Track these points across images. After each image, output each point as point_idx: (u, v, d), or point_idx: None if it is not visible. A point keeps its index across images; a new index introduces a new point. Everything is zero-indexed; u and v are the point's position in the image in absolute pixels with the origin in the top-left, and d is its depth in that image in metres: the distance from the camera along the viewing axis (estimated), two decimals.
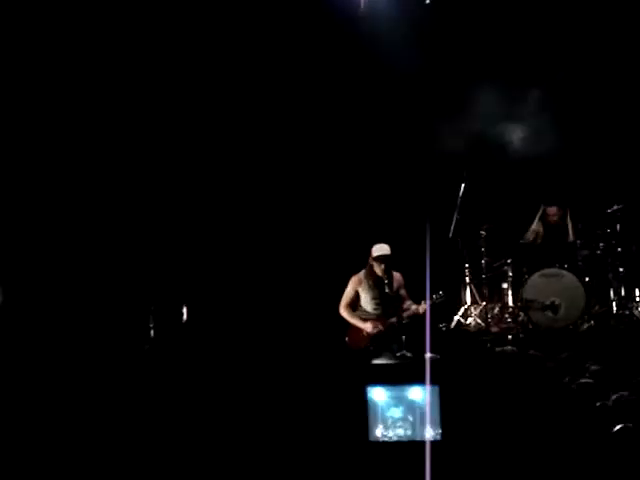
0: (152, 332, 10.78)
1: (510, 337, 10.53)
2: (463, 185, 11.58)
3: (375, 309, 10.08)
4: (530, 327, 11.00)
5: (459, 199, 11.59)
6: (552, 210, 11.58)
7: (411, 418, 4.70)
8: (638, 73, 11.99)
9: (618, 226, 11.22)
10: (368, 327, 9.90)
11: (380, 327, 9.88)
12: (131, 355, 10.03)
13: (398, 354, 9.57)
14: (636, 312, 11.12)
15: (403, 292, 10.21)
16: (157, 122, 12.16)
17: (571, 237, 11.48)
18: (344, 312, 10.11)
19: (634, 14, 11.89)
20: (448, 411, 4.94)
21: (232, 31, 12.13)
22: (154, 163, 12.18)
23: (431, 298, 9.92)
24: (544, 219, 11.63)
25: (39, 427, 8.12)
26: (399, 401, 4.67)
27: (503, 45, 12.14)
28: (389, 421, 4.74)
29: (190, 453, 7.39)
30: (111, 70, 12.00)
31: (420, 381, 5.14)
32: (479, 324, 11.32)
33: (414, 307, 9.96)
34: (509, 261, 11.42)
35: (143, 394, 8.50)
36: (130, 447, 7.92)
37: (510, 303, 11.39)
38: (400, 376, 5.58)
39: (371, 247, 10.22)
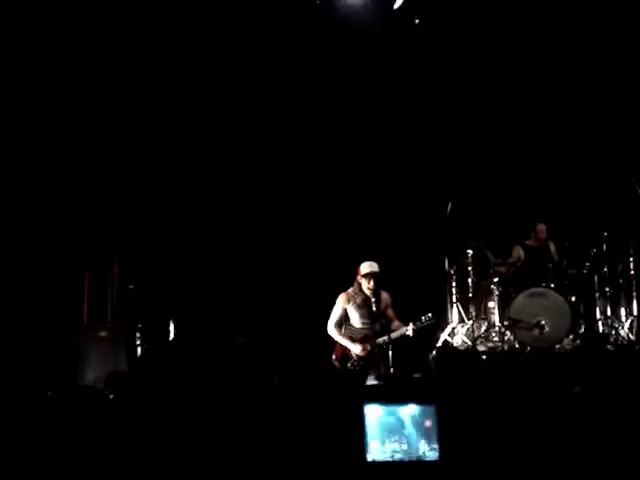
0: (139, 350, 10.76)
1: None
2: (450, 204, 11.61)
3: (363, 328, 10.10)
4: (517, 346, 11.05)
5: (446, 218, 11.61)
6: (541, 227, 11.66)
7: (407, 434, 4.70)
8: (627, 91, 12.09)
9: (604, 246, 11.28)
10: (357, 349, 9.92)
11: (368, 348, 9.91)
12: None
13: (385, 372, 9.60)
14: (622, 332, 11.18)
15: (390, 312, 10.21)
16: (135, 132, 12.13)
17: (555, 257, 11.56)
18: (333, 331, 10.10)
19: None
20: (445, 430, 4.95)
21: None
22: (139, 175, 12.14)
23: (419, 320, 9.95)
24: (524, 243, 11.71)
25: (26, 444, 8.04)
26: (394, 418, 4.67)
27: (493, 60, 12.24)
28: (385, 438, 4.73)
29: (182, 474, 7.37)
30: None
31: (415, 400, 5.13)
32: (466, 343, 11.35)
33: (402, 328, 9.98)
34: (496, 280, 11.46)
35: (132, 412, 8.46)
36: (119, 467, 7.87)
37: (497, 322, 11.42)
38: (395, 395, 5.57)
39: (358, 265, 10.24)
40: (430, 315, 9.83)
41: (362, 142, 12.34)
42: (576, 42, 12.01)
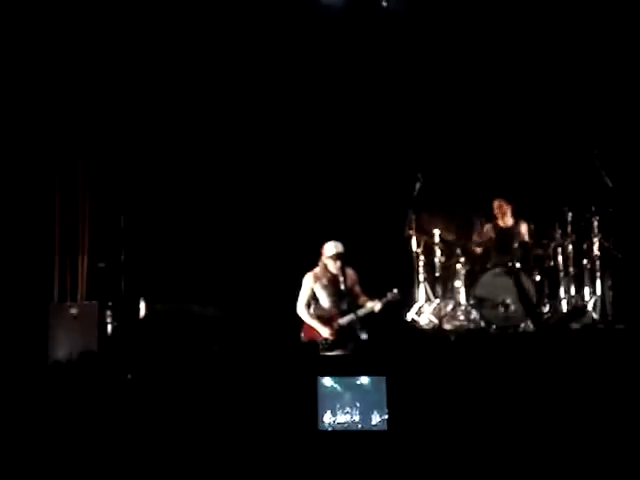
0: (109, 328, 10.82)
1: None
2: (418, 184, 11.73)
3: (331, 306, 10.24)
4: (482, 324, 11.22)
5: (414, 197, 11.73)
6: (497, 203, 11.78)
7: (358, 405, 4.84)
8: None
9: (569, 227, 11.44)
10: (326, 333, 10.07)
11: (337, 328, 10.07)
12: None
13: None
14: (590, 310, 11.30)
15: (357, 289, 10.37)
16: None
17: (526, 237, 11.67)
18: (302, 312, 10.23)
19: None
20: (395, 401, 5.10)
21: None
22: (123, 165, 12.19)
23: (385, 296, 10.11)
24: (492, 220, 11.85)
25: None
26: (347, 388, 4.80)
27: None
28: (337, 408, 4.87)
29: (152, 448, 7.49)
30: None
31: (367, 372, 5.28)
32: (432, 321, 11.52)
33: (369, 304, 10.13)
34: (462, 260, 11.63)
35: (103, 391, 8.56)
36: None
37: (463, 301, 11.59)
38: (349, 367, 5.71)
39: (322, 244, 10.35)
40: (396, 291, 10.01)
41: (326, 118, 12.41)
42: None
